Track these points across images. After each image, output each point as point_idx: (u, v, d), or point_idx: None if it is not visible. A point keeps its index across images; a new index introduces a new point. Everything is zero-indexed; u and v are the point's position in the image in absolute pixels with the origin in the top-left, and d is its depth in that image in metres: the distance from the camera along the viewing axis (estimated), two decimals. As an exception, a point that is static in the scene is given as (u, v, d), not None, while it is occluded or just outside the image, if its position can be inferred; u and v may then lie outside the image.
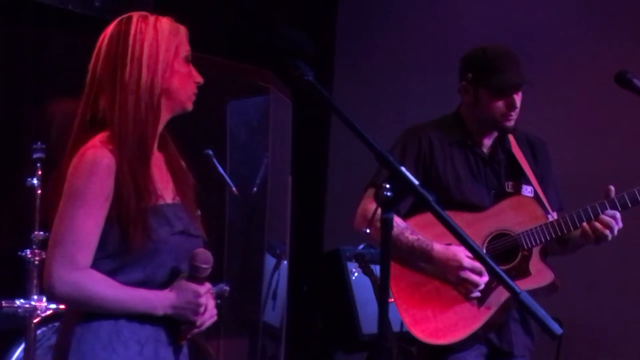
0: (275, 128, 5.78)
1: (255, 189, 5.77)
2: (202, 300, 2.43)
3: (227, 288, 4.72)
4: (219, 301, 4.62)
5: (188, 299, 2.41)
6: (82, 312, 2.40)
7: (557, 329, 2.07)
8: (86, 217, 2.35)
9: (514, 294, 2.10)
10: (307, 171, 6.34)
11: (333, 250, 5.56)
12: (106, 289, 2.37)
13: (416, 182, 2.13)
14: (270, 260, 5.86)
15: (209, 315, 2.48)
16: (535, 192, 3.56)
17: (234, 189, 5.45)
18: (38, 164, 3.97)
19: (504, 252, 3.46)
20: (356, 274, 5.33)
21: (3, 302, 4.10)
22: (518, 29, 5.66)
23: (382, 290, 2.19)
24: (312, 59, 2.21)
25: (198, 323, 2.45)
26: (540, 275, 3.43)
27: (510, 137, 3.60)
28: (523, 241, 3.44)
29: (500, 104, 3.46)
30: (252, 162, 5.84)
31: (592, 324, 5.39)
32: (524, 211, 3.49)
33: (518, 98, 3.47)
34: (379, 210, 2.15)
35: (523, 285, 3.23)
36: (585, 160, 5.44)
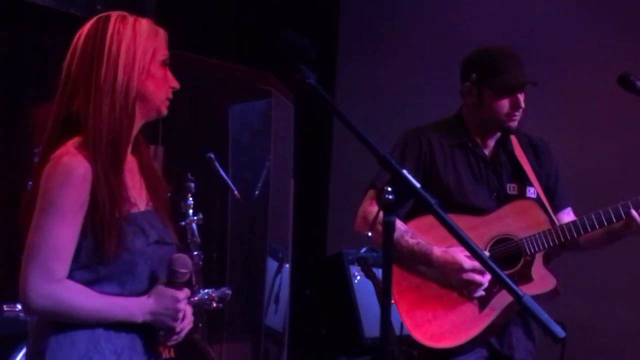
0: (277, 131, 5.78)
1: (257, 193, 5.76)
2: (181, 305, 2.39)
3: (229, 292, 4.71)
4: (221, 305, 4.65)
5: (166, 304, 2.37)
6: (57, 322, 2.34)
7: (560, 332, 2.06)
8: (62, 227, 2.28)
9: (517, 297, 2.09)
10: (309, 174, 6.34)
11: (335, 253, 5.54)
12: (84, 299, 2.32)
13: (418, 185, 2.12)
14: (272, 264, 5.86)
15: (187, 321, 2.44)
16: (538, 194, 3.55)
17: (236, 192, 5.45)
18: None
19: (507, 257, 3.44)
20: (359, 278, 5.32)
21: (4, 306, 4.09)
22: (521, 30, 5.66)
23: (384, 294, 2.18)
24: (315, 62, 2.21)
25: (177, 329, 2.41)
26: (542, 281, 3.42)
27: (513, 139, 3.59)
28: (526, 246, 3.43)
29: (504, 104, 3.46)
30: (254, 166, 5.84)
31: (595, 327, 5.37)
32: (527, 216, 3.47)
33: (522, 98, 3.47)
34: (381, 214, 2.15)
35: (525, 291, 3.19)
36: (588, 161, 5.42)
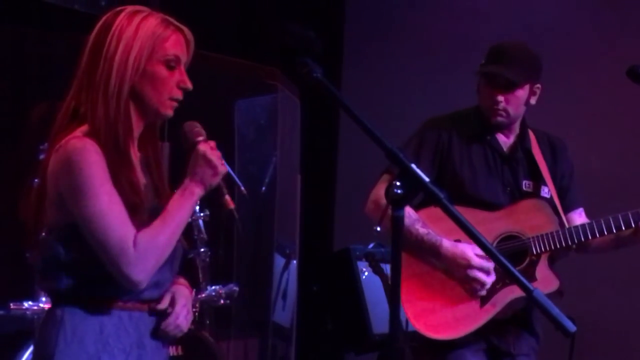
0: (283, 127, 5.76)
1: (264, 189, 5.74)
2: (210, 155, 2.40)
3: (236, 288, 4.70)
4: (228, 301, 4.63)
5: (201, 162, 2.39)
6: (65, 320, 2.33)
7: (571, 326, 2.07)
8: (105, 203, 2.27)
9: (528, 291, 2.09)
10: (316, 170, 6.32)
11: (343, 249, 5.53)
12: (157, 233, 2.32)
13: (427, 179, 2.11)
14: (279, 260, 5.84)
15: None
16: (551, 194, 3.52)
17: (242, 188, 5.40)
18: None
19: (512, 255, 3.43)
20: (366, 273, 5.30)
21: (11, 304, 4.08)
22: (527, 25, 5.63)
23: (393, 290, 2.16)
24: (320, 56, 2.19)
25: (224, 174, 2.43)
26: (545, 282, 3.39)
27: (532, 137, 3.57)
28: (533, 246, 3.41)
29: (484, 94, 3.45)
30: (261, 162, 5.81)
31: (606, 322, 5.35)
32: (537, 215, 3.45)
33: (507, 96, 3.41)
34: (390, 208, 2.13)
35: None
36: (595, 160, 5.39)
